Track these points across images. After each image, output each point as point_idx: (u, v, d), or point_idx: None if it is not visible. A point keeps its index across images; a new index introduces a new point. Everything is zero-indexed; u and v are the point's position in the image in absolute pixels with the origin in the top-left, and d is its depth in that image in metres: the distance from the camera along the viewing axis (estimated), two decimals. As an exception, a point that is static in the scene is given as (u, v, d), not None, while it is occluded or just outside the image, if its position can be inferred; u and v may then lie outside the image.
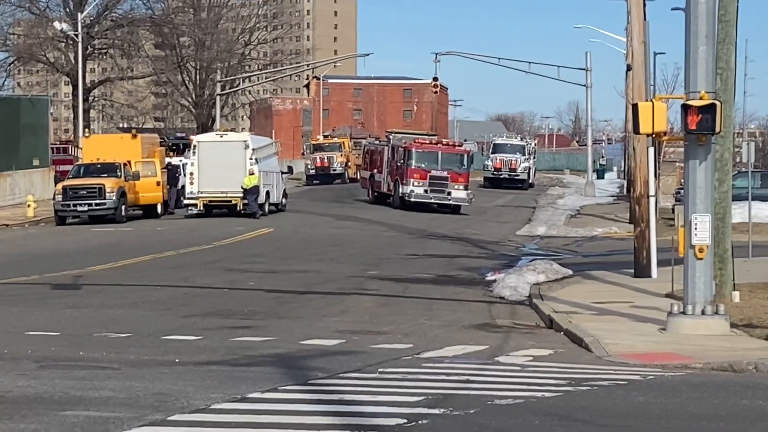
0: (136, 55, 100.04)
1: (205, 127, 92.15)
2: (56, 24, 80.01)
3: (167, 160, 58.00)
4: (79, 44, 73.18)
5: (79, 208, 49.90)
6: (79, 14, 75.65)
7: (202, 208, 52.92)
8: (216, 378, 14.31)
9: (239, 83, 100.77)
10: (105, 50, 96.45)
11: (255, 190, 51.45)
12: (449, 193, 56.93)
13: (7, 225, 49.66)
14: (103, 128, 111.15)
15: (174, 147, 68.13)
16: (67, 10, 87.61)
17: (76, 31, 72.19)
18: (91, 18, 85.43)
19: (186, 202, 53.68)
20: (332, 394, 13.26)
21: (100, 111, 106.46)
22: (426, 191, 56.73)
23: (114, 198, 50.10)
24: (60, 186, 51.71)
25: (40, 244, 41.13)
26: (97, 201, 49.88)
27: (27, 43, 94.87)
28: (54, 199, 51.22)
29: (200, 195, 52.94)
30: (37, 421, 11.26)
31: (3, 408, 11.94)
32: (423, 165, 57.19)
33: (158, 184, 54.08)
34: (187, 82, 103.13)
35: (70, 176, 52.82)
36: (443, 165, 57.19)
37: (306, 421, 11.58)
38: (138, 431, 10.89)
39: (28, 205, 53.25)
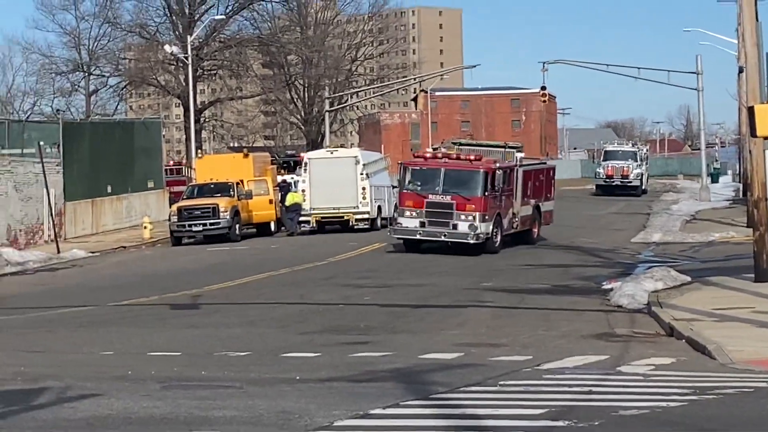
0: (244, 75, 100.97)
1: (315, 144, 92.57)
2: (166, 47, 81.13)
3: (279, 177, 58.33)
4: (189, 66, 74.01)
5: (194, 228, 50.31)
6: (188, 37, 76.54)
7: (315, 225, 53.17)
8: (337, 394, 14.30)
9: (347, 99, 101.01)
10: (214, 71, 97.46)
11: (296, 207, 52.08)
12: (455, 226, 39.91)
13: (124, 247, 50.31)
14: (214, 148, 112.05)
15: (285, 165, 68.45)
16: (177, 33, 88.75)
17: (186, 53, 73.07)
18: (200, 40, 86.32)
19: (298, 219, 53.92)
20: (454, 409, 13.18)
21: (211, 131, 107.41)
22: (423, 223, 40.34)
23: (228, 217, 50.48)
24: (175, 207, 52.31)
25: (157, 265, 41.58)
26: (212, 221, 50.27)
27: (138, 67, 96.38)
28: (169, 220, 51.84)
29: (312, 212, 53.16)
30: (163, 442, 11.34)
31: (131, 429, 12.05)
32: (418, 188, 40.89)
33: (271, 202, 54.48)
34: (295, 100, 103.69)
35: (185, 197, 53.33)
36: (448, 187, 40.27)
37: (429, 436, 11.52)
38: (263, 450, 10.90)
39: (145, 227, 53.87)
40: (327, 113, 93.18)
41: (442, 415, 12.72)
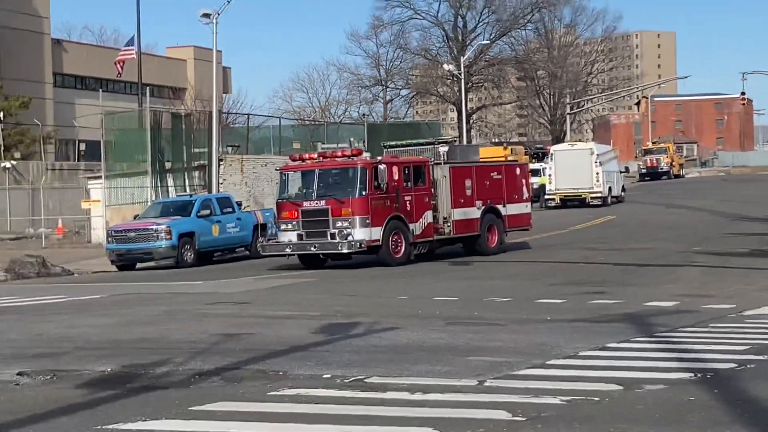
0: (503, 86, 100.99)
1: (559, 139, 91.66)
2: (445, 66, 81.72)
3: (530, 165, 58.43)
4: (462, 80, 74.25)
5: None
6: (461, 58, 76.80)
7: (558, 202, 53.04)
8: (580, 332, 14.13)
9: (584, 104, 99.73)
10: (480, 84, 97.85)
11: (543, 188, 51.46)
12: (333, 235, 27.07)
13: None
14: (480, 143, 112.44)
15: (535, 155, 68.32)
16: (452, 55, 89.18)
17: (459, 70, 73.25)
18: (470, 60, 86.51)
19: (546, 197, 54.05)
20: (674, 344, 12.84)
21: (478, 130, 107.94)
22: (300, 236, 27.53)
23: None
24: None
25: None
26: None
27: (423, 81, 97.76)
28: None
29: (557, 191, 53.12)
30: (449, 364, 11.43)
31: (424, 354, 12.20)
32: (294, 196, 28.15)
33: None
34: (543, 105, 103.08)
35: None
36: (323, 190, 27.54)
37: (656, 365, 11.25)
38: (525, 372, 10.87)
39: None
40: (568, 115, 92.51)
41: (664, 349, 12.42)
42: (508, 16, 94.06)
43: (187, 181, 42.02)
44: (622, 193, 56.57)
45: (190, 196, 35.51)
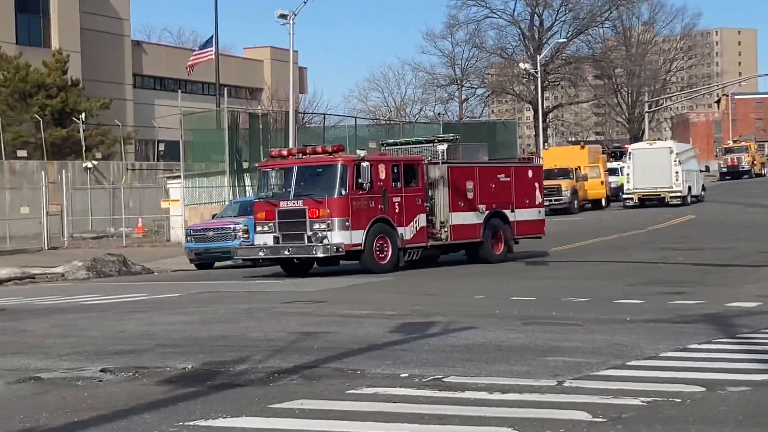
0: (580, 85, 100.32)
1: (636, 138, 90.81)
2: (521, 65, 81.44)
3: (608, 164, 58.10)
4: (538, 79, 73.88)
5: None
6: (537, 56, 76.44)
7: (637, 201, 52.59)
8: (660, 332, 13.95)
9: (663, 102, 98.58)
10: (557, 82, 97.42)
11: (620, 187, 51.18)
12: (311, 238, 25.00)
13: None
14: (556, 142, 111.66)
15: (613, 154, 67.72)
16: (528, 54, 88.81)
17: (536, 69, 72.88)
18: (546, 59, 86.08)
19: (623, 196, 53.73)
20: (757, 345, 12.62)
21: (554, 129, 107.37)
22: (277, 238, 25.60)
23: (568, 195, 50.76)
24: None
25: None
26: (555, 197, 50.56)
27: (499, 81, 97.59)
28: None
29: (635, 191, 52.66)
30: (527, 364, 11.36)
31: (501, 354, 12.14)
32: (271, 195, 26.37)
33: (602, 183, 54.43)
34: (621, 103, 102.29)
35: (536, 179, 53.96)
36: (301, 189, 25.55)
37: (739, 366, 11.07)
38: (604, 372, 10.76)
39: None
40: (646, 114, 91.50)
41: (747, 350, 12.21)
42: (586, 14, 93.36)
43: (264, 180, 42.29)
44: (702, 193, 55.84)
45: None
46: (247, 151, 43.00)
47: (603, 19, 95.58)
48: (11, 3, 62.10)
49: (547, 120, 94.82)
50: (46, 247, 38.23)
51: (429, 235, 26.73)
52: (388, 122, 74.67)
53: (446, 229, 27.04)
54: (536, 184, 29.80)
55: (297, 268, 26.32)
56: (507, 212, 28.60)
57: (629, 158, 53.97)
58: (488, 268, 26.62)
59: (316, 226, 24.88)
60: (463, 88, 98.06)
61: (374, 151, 30.01)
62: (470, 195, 27.69)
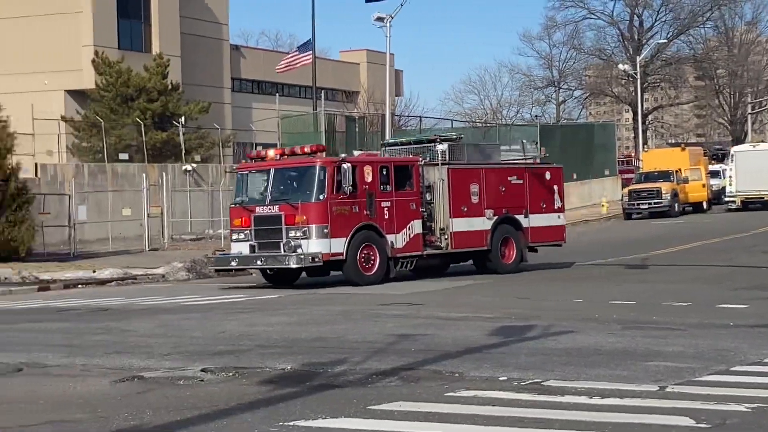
0: (681, 86, 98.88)
1: (739, 140, 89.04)
2: (620, 66, 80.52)
3: (709, 167, 57.27)
4: (638, 80, 73.02)
5: (642, 206, 50.61)
6: (637, 57, 75.55)
7: (739, 204, 51.66)
8: (765, 338, 13.65)
9: (766, 104, 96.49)
10: (657, 84, 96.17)
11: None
12: (286, 246, 22.90)
13: (586, 221, 50.36)
14: (656, 144, 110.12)
15: (714, 156, 66.63)
16: (628, 54, 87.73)
17: (635, 70, 72.02)
18: (646, 60, 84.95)
19: (726, 199, 53.01)
20: None
21: (654, 131, 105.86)
22: (253, 247, 23.65)
23: (668, 198, 50.07)
24: (626, 190, 52.60)
25: (613, 235, 41.37)
26: (655, 200, 50.04)
27: (597, 82, 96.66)
28: (621, 199, 52.29)
29: (738, 193, 51.74)
30: (627, 368, 11.21)
31: (601, 358, 12.02)
32: (247, 200, 24.34)
33: (703, 186, 53.67)
34: (723, 105, 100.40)
35: (634, 182, 53.59)
36: (279, 194, 23.60)
37: None
38: (708, 378, 10.58)
39: (602, 205, 53.87)
40: (749, 115, 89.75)
41: None
42: (687, 14, 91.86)
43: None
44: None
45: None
46: (343, 153, 43.27)
47: (705, 19, 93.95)
48: (113, 9, 63.44)
49: (647, 122, 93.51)
50: (147, 249, 38.95)
51: (427, 243, 24.68)
52: (484, 124, 74.45)
53: (446, 237, 24.97)
54: (555, 187, 27.74)
55: (279, 279, 24.36)
56: (520, 218, 26.48)
57: (732, 160, 53.01)
58: (587, 271, 26.36)
59: (291, 233, 22.87)
60: (561, 90, 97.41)
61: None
62: (475, 199, 25.51)
